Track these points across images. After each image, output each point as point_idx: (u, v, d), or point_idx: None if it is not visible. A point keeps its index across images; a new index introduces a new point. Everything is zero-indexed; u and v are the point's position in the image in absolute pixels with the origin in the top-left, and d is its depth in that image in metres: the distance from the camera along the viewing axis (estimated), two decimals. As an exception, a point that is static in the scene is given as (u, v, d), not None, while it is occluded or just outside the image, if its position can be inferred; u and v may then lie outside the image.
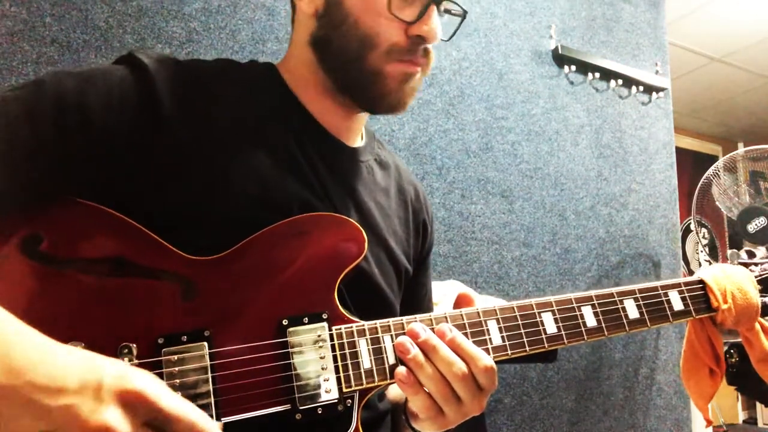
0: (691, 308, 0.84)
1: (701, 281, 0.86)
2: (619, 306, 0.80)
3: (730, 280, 0.85)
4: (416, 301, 1.01)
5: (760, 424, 4.92)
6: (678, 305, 0.84)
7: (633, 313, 0.81)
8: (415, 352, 0.69)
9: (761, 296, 0.87)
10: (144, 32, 1.32)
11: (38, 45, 1.20)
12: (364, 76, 0.78)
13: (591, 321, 0.78)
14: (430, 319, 0.74)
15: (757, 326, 0.87)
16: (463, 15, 0.83)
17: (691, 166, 4.82)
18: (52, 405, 0.50)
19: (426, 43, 0.79)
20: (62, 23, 1.23)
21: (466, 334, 0.73)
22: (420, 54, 0.79)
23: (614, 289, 0.82)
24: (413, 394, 0.69)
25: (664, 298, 0.83)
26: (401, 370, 0.68)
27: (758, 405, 4.92)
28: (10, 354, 0.51)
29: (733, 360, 3.18)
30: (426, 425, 0.75)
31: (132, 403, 0.52)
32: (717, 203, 2.40)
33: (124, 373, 0.53)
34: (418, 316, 0.74)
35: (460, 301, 0.76)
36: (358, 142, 0.91)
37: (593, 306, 0.79)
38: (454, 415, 0.70)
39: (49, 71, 0.69)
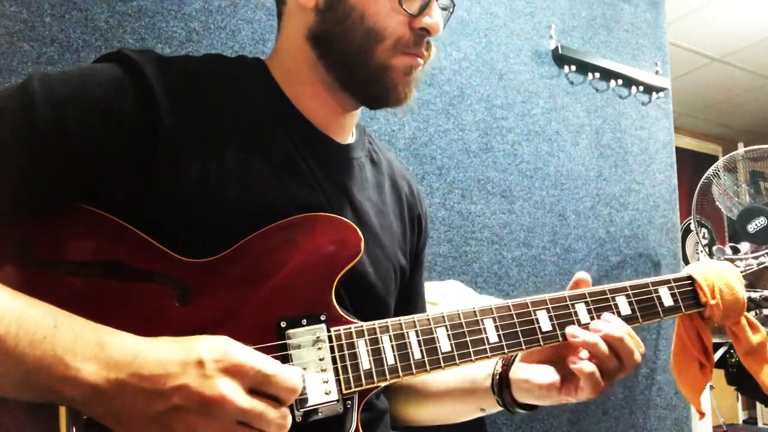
0: (681, 304, 0.86)
1: (690, 277, 0.87)
2: (612, 303, 0.82)
3: (717, 276, 0.87)
4: (411, 296, 1.01)
5: (760, 424, 4.92)
6: (668, 301, 0.85)
7: (625, 309, 0.82)
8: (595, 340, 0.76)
9: (747, 291, 0.88)
10: (144, 32, 1.32)
11: (38, 45, 1.20)
12: (371, 70, 0.79)
13: (585, 318, 0.80)
14: (428, 319, 0.74)
15: (743, 320, 0.88)
16: (453, 8, 0.86)
17: (691, 166, 4.82)
18: (164, 388, 0.54)
19: (430, 35, 0.80)
20: (62, 23, 1.23)
21: (463, 333, 0.74)
22: (423, 46, 0.81)
23: (607, 287, 0.83)
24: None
25: (654, 295, 0.84)
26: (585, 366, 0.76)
27: (758, 405, 4.92)
28: (105, 351, 0.55)
29: (734, 360, 3.18)
30: (576, 396, 0.80)
31: (236, 373, 0.56)
32: (717, 203, 2.40)
33: (221, 348, 0.57)
34: (416, 317, 0.74)
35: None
36: (349, 138, 0.90)
37: (587, 303, 0.81)
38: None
39: (37, 76, 0.66)
